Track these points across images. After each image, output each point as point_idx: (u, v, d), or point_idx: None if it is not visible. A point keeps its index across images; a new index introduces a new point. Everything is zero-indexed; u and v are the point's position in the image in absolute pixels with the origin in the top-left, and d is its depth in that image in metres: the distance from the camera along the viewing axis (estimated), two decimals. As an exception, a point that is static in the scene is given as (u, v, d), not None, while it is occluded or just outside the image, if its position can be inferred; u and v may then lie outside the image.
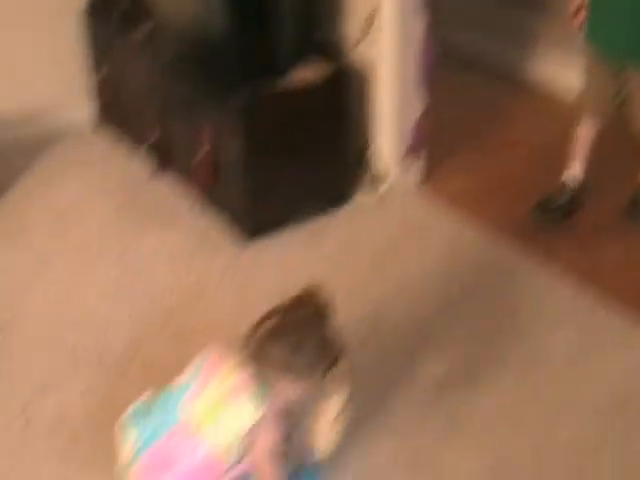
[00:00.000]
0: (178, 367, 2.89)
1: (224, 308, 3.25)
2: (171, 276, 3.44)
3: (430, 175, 4.04)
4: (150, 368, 2.98)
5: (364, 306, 3.25)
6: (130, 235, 3.72)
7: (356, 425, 2.66)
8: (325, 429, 2.27)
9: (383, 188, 3.92)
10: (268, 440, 2.25)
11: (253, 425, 2.21)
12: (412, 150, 3.91)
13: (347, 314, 3.12)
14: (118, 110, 4.41)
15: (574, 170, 3.73)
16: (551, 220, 3.70)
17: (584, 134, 3.66)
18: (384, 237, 3.66)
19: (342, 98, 3.69)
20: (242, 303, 3.26)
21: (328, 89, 3.63)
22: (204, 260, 3.53)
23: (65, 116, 4.54)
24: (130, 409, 2.42)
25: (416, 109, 3.85)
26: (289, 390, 2.23)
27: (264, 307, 3.14)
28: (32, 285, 3.43)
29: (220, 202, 3.75)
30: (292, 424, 2.52)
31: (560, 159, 3.79)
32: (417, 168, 3.99)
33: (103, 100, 4.53)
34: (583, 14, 3.46)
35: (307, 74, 3.58)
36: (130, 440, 2.33)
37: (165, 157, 4.01)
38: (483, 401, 2.84)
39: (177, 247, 3.62)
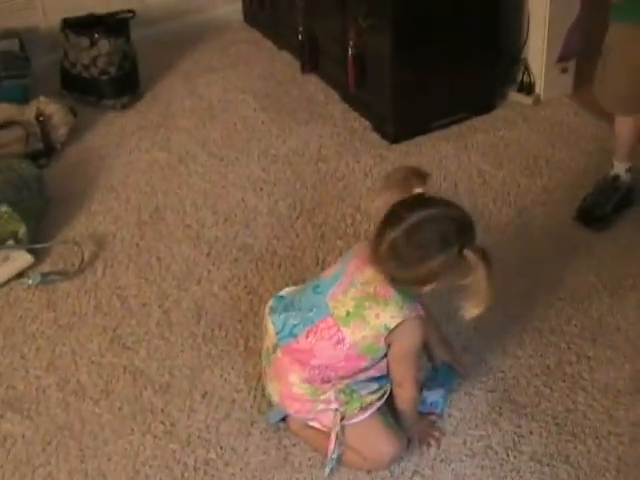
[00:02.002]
0: (318, 265, 2.95)
1: (367, 208, 3.21)
2: (315, 174, 3.43)
3: (581, 84, 3.85)
4: (290, 265, 3.00)
5: (511, 210, 3.20)
6: (275, 132, 3.71)
7: (500, 327, 2.69)
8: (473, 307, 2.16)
9: (532, 96, 3.78)
10: (409, 343, 2.23)
11: (393, 328, 2.18)
12: (563, 59, 3.74)
13: (494, 217, 3.14)
14: (266, 9, 4.37)
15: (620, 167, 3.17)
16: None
17: (624, 132, 3.12)
18: (532, 144, 3.55)
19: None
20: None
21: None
22: (348, 160, 3.49)
23: (215, 12, 4.55)
24: (271, 301, 2.44)
25: (569, 16, 3.67)
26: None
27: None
28: (175, 179, 3.47)
29: (366, 103, 3.70)
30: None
31: None
32: (567, 77, 3.83)
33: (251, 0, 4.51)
34: None
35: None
36: (272, 330, 2.35)
37: (311, 57, 3.97)
38: (627, 315, 2.75)
39: (321, 146, 3.60)
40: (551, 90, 3.79)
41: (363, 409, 2.28)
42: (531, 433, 2.39)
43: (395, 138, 3.58)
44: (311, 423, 2.34)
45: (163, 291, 2.93)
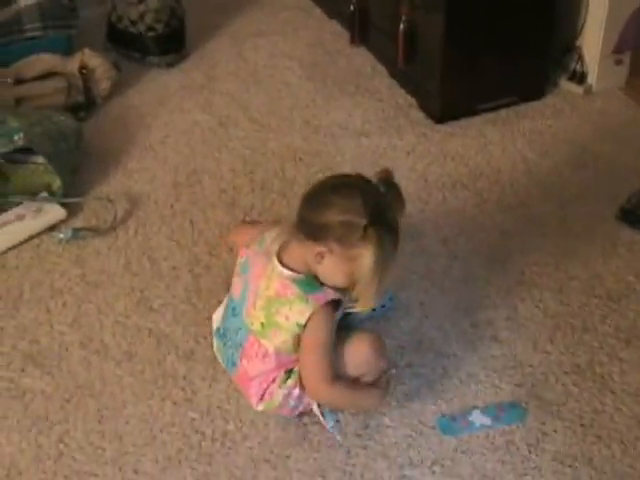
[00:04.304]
0: None
1: (407, 189, 3.14)
2: (356, 149, 3.37)
3: (635, 78, 3.73)
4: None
5: (553, 202, 3.12)
6: (318, 102, 3.65)
7: (533, 320, 2.66)
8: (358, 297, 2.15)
9: (583, 86, 3.70)
10: (317, 333, 2.16)
11: (306, 322, 2.14)
12: (619, 50, 3.65)
13: (535, 208, 3.10)
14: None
15: None
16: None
17: None
18: (580, 136, 3.46)
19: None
20: (425, 186, 3.17)
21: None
22: (391, 137, 3.43)
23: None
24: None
25: (630, 6, 3.55)
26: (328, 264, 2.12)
27: (447, 192, 3.11)
28: (214, 142, 3.42)
29: (413, 80, 3.63)
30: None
31: None
32: (622, 69, 3.72)
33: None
34: None
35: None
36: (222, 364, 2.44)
37: (361, 29, 3.88)
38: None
39: (364, 121, 3.53)
40: (604, 81, 3.69)
41: None
42: (555, 432, 2.34)
43: (441, 118, 3.51)
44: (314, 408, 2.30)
45: (194, 256, 2.89)
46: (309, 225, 2.12)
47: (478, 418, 2.36)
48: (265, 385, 2.25)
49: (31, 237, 2.97)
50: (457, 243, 2.92)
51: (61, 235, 2.95)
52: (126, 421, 2.38)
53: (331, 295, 2.16)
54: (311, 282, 2.17)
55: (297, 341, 2.18)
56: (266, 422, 2.37)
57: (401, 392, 2.43)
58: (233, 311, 2.32)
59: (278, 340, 2.19)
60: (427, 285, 2.77)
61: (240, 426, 2.36)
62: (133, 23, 3.82)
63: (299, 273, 2.18)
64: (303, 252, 2.15)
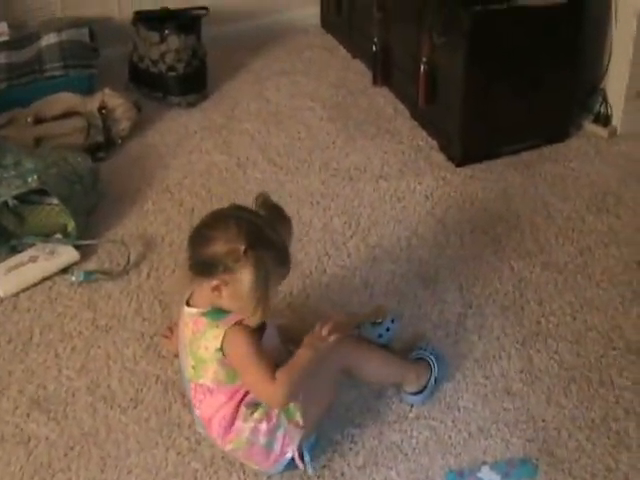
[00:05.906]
0: (366, 289, 2.91)
1: (424, 234, 3.12)
2: (374, 192, 3.34)
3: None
4: (338, 285, 2.92)
5: (573, 248, 3.07)
6: (339, 144, 3.64)
7: (547, 372, 2.56)
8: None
9: (608, 128, 3.64)
10: (235, 348, 2.17)
11: (223, 345, 2.17)
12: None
13: (554, 254, 3.04)
14: (342, 15, 4.30)
15: None
16: None
17: None
18: (603, 179, 3.40)
19: (576, 26, 3.40)
20: (443, 231, 3.13)
21: (563, 14, 3.35)
22: (410, 180, 3.39)
23: (292, 15, 4.51)
24: None
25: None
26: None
27: (465, 237, 3.06)
28: (232, 184, 3.42)
29: (434, 121, 3.60)
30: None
31: None
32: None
33: (328, 5, 4.43)
34: None
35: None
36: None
37: (383, 69, 3.87)
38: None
39: (384, 163, 3.51)
40: (629, 124, 3.64)
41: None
42: (567, 491, 2.28)
43: (461, 161, 3.47)
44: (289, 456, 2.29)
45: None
46: (198, 264, 2.19)
47: (487, 474, 2.30)
48: (224, 422, 2.25)
49: (44, 279, 2.96)
50: (472, 291, 2.87)
51: (73, 278, 2.94)
52: (129, 470, 2.34)
53: (240, 318, 2.18)
54: (218, 311, 2.20)
55: (226, 366, 2.20)
56: (269, 475, 2.32)
57: (409, 445, 2.38)
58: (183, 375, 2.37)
59: (210, 373, 2.22)
60: (441, 335, 2.71)
61: (243, 478, 2.31)
62: (154, 63, 3.82)
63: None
64: (204, 291, 2.20)
